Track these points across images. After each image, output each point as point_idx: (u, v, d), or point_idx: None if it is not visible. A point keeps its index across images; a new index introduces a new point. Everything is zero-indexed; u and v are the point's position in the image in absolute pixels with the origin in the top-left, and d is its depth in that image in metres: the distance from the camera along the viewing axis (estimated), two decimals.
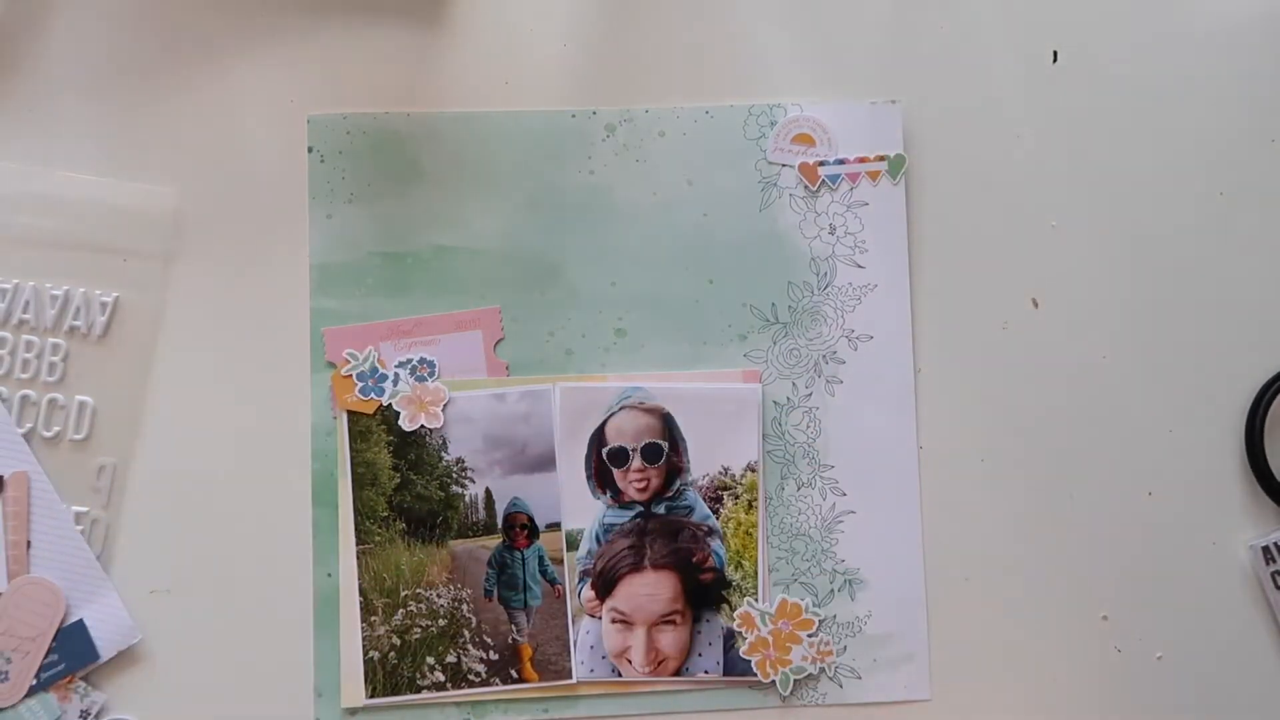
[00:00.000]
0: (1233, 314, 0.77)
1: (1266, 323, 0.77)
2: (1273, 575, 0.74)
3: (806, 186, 0.75)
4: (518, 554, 0.73)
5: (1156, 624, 0.75)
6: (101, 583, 0.72)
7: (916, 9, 0.77)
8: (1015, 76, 0.77)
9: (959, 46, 0.77)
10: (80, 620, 0.71)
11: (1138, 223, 0.77)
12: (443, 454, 0.74)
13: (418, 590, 0.73)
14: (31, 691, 0.71)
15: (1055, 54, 0.77)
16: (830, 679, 0.74)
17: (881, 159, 0.76)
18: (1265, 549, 0.74)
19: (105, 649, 0.72)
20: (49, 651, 0.71)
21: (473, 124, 0.75)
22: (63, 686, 0.71)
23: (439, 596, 0.73)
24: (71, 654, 0.71)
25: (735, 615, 0.74)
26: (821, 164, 0.76)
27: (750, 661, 0.73)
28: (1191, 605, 0.75)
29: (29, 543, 0.71)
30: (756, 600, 0.73)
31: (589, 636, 0.73)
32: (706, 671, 0.73)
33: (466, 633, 0.73)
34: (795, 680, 0.73)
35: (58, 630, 0.71)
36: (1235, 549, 0.75)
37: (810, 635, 0.74)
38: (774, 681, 0.73)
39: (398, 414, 0.73)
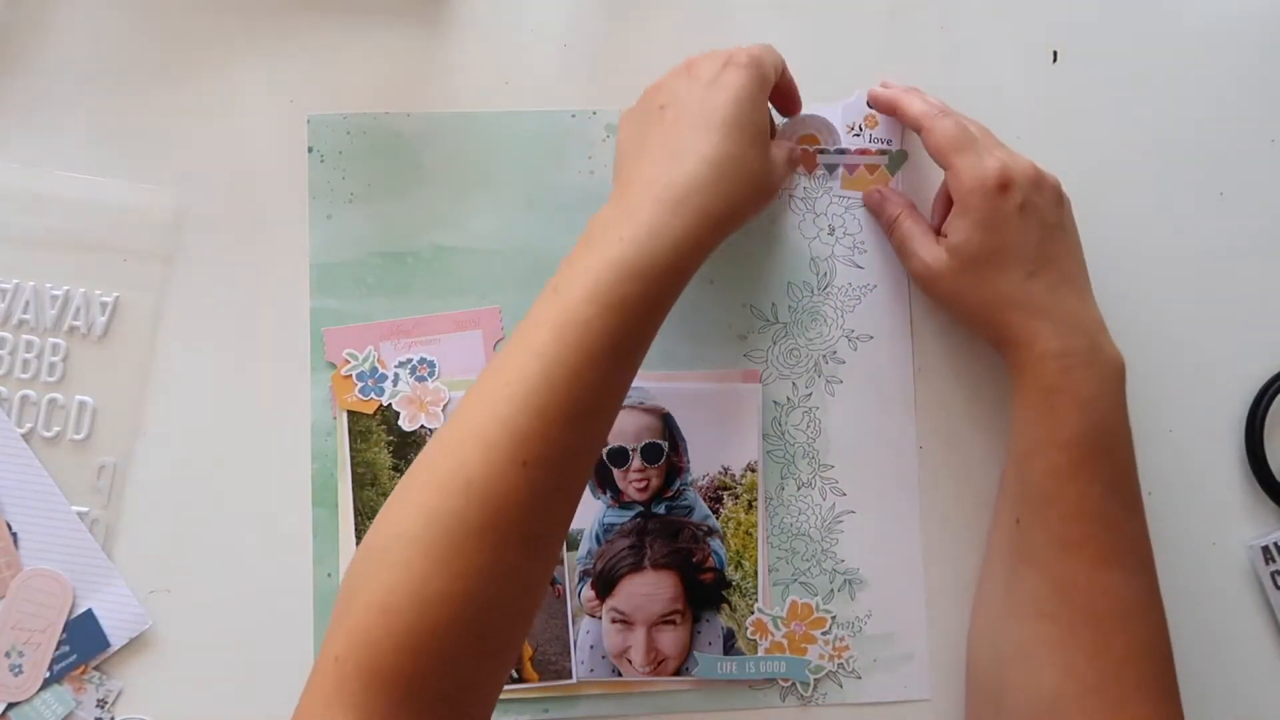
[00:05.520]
0: (1233, 314, 0.77)
1: (1266, 323, 0.77)
2: (1273, 575, 0.74)
3: (804, 174, 0.76)
4: None
5: None
6: (108, 571, 0.72)
7: (916, 9, 0.77)
8: (1015, 77, 0.77)
9: (959, 47, 0.77)
10: (89, 610, 0.72)
11: (1137, 222, 0.77)
12: None
13: None
14: (46, 684, 0.71)
15: (1055, 54, 0.78)
16: (830, 678, 0.74)
17: (883, 153, 0.76)
18: (1265, 549, 0.74)
19: (115, 637, 0.72)
20: (60, 643, 0.71)
21: (473, 124, 0.75)
22: (77, 677, 0.71)
23: None
24: (82, 644, 0.71)
25: (747, 623, 0.74)
26: (821, 152, 0.76)
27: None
28: (1191, 605, 0.75)
29: (16, 535, 0.72)
30: (757, 601, 0.73)
31: (589, 636, 0.73)
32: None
33: None
34: (814, 679, 0.74)
35: (67, 621, 0.71)
36: (1235, 549, 0.76)
37: (824, 633, 0.74)
38: (774, 681, 0.73)
39: (398, 414, 0.73)
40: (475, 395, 0.59)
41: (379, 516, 0.58)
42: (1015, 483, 0.69)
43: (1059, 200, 0.70)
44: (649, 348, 0.62)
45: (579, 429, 0.58)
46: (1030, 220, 0.68)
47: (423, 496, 0.57)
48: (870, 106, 0.75)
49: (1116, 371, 0.68)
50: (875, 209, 0.75)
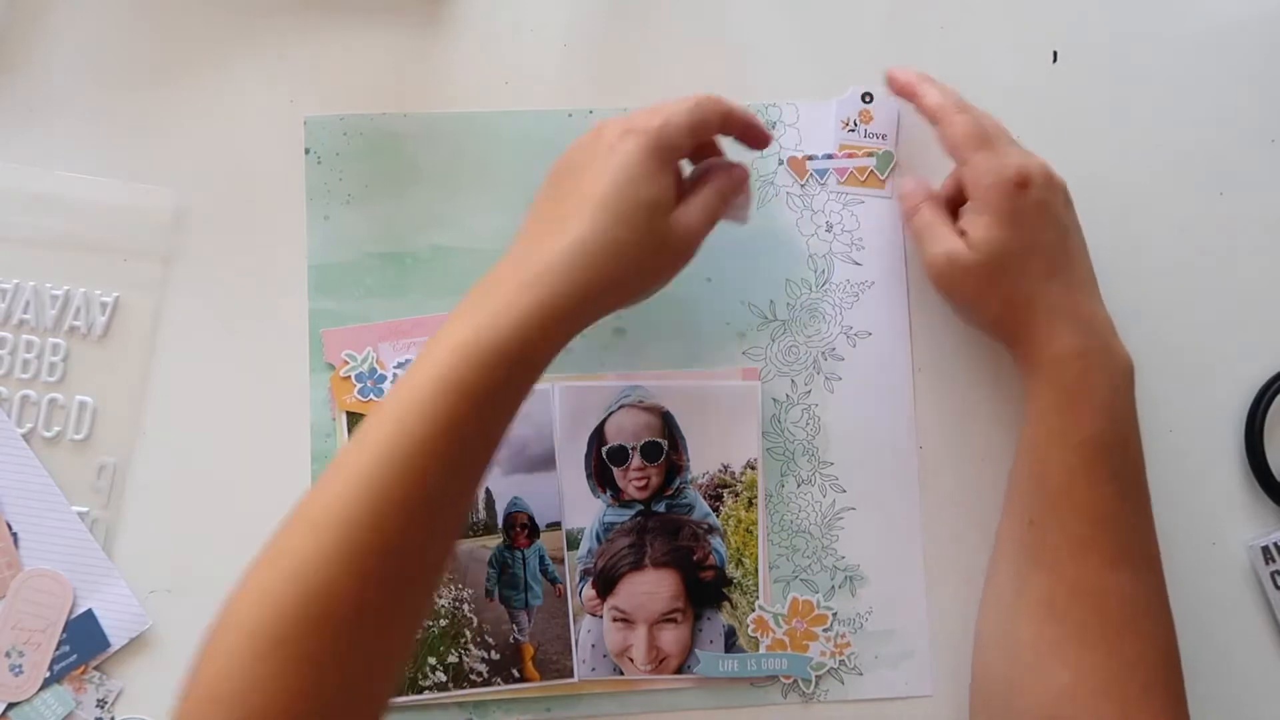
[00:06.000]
0: (1233, 314, 0.77)
1: (1266, 323, 0.77)
2: (1273, 575, 0.74)
3: (796, 180, 0.76)
4: (518, 553, 0.73)
5: None
6: (108, 571, 0.72)
7: (916, 9, 0.78)
8: (1015, 77, 0.78)
9: (958, 46, 0.78)
10: (89, 610, 0.72)
11: (1137, 223, 0.77)
12: None
13: None
14: (46, 684, 0.71)
15: (1055, 54, 0.78)
16: (832, 675, 0.74)
17: (870, 154, 0.76)
18: (1265, 549, 0.74)
19: (115, 637, 0.72)
20: (60, 643, 0.71)
21: (471, 124, 0.75)
22: (77, 678, 0.71)
23: (440, 597, 0.73)
24: (82, 644, 0.71)
25: (748, 620, 0.73)
26: (810, 158, 0.76)
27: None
28: (1191, 605, 0.74)
29: (16, 535, 0.72)
30: (758, 598, 0.73)
31: (590, 635, 0.73)
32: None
33: (468, 633, 0.73)
34: (816, 676, 0.74)
35: (67, 621, 0.71)
36: (1235, 549, 0.75)
37: (825, 630, 0.74)
38: (776, 678, 0.73)
39: None
40: (324, 475, 0.57)
41: (230, 592, 0.56)
42: (1028, 482, 0.68)
43: (1068, 201, 0.70)
44: (505, 430, 0.59)
45: (418, 517, 0.56)
46: (1048, 219, 0.68)
47: (257, 580, 0.55)
48: (887, 87, 0.74)
49: (1127, 372, 0.68)
50: (900, 195, 0.75)
